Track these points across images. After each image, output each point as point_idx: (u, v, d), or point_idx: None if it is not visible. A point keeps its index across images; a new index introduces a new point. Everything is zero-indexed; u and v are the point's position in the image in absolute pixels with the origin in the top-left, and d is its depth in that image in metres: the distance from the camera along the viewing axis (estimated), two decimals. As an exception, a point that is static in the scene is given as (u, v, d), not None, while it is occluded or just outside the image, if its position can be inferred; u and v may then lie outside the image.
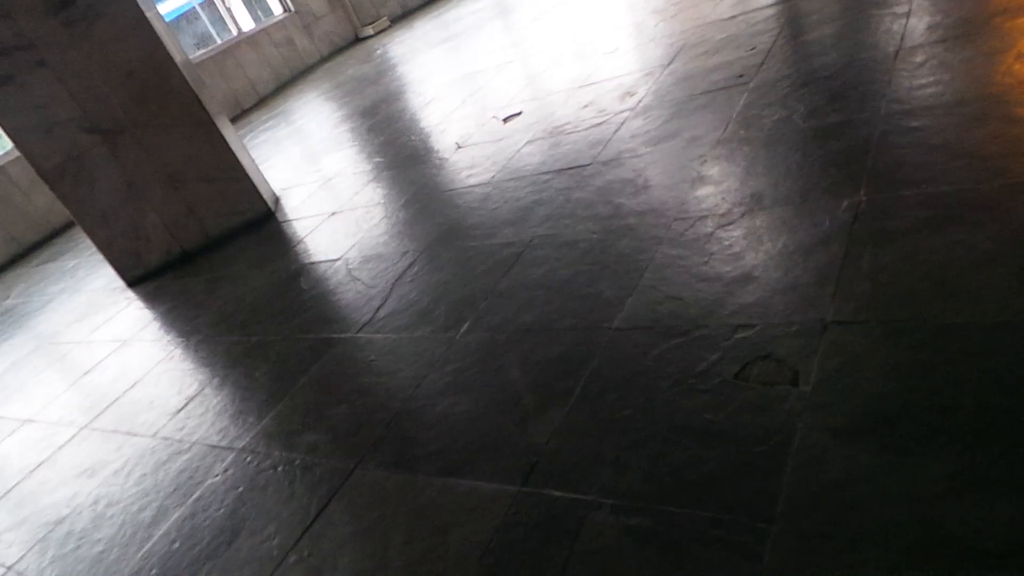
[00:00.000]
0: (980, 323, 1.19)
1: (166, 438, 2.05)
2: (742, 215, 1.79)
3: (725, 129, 2.27)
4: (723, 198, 1.90)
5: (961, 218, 1.44)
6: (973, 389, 1.08)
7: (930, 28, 2.31)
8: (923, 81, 2.02)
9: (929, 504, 0.96)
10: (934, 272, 1.34)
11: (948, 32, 2.23)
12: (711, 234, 1.77)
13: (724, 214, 1.83)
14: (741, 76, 2.61)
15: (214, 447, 1.89)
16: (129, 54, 3.21)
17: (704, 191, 1.98)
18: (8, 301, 4.34)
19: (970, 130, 1.71)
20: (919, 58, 2.15)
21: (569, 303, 1.77)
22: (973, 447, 1.00)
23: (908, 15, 2.45)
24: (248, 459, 1.78)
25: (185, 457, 1.92)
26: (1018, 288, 1.22)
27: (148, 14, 3.25)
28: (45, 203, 5.52)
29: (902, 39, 2.30)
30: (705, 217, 1.85)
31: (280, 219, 3.55)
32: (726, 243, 1.71)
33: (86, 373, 2.80)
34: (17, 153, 5.33)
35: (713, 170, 2.07)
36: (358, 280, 2.47)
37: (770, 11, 3.13)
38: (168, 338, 2.76)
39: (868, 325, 1.29)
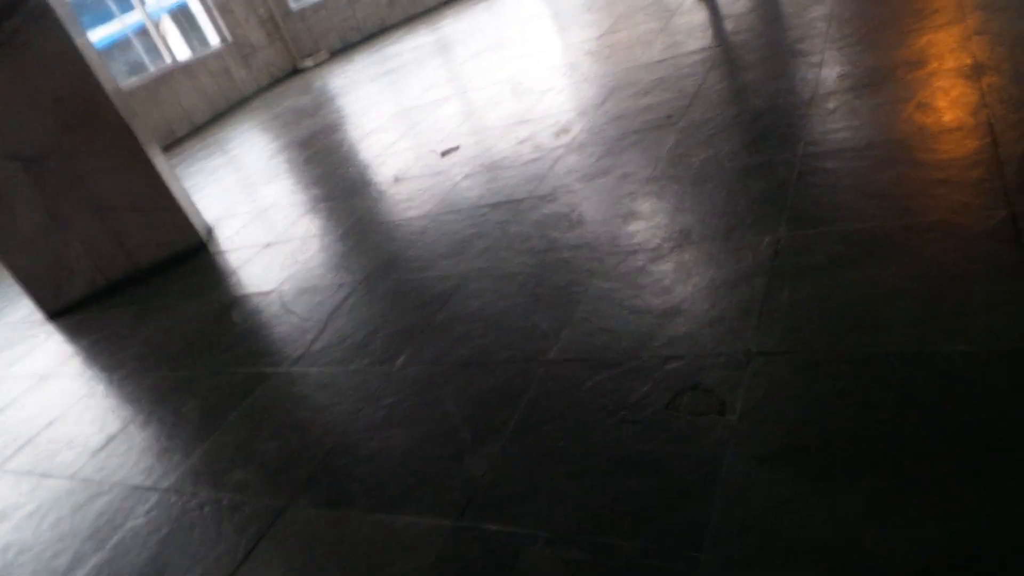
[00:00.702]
0: (892, 353, 1.26)
1: (85, 479, 1.96)
2: (671, 250, 1.86)
3: (655, 167, 2.36)
4: (653, 233, 1.97)
5: (872, 254, 1.53)
6: (888, 417, 1.15)
7: (840, 77, 2.47)
8: (836, 126, 2.15)
9: (850, 528, 1.01)
10: (849, 305, 1.42)
11: (857, 81, 2.39)
12: (642, 268, 1.83)
13: (654, 249, 1.89)
14: (670, 117, 2.72)
15: (137, 488, 1.82)
16: (56, 81, 3.12)
17: (636, 226, 2.05)
18: (-87, 336, 4.08)
19: (878, 172, 1.83)
20: (831, 105, 2.29)
21: (505, 335, 1.79)
22: (890, 473, 1.06)
23: (821, 65, 2.62)
24: (173, 500, 1.72)
25: (105, 499, 1.84)
26: (925, 320, 1.30)
27: (78, 41, 3.18)
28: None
29: (816, 87, 2.45)
30: (636, 251, 1.92)
31: (213, 250, 3.47)
32: (656, 277, 1.77)
33: (0, 411, 2.65)
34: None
35: (644, 206, 2.15)
36: (293, 313, 2.43)
37: (696, 57, 3.29)
38: (90, 373, 2.65)
39: (789, 356, 1.35)
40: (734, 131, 2.42)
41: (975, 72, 2.14)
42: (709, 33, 3.63)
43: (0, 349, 3.28)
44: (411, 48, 7.17)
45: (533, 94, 3.78)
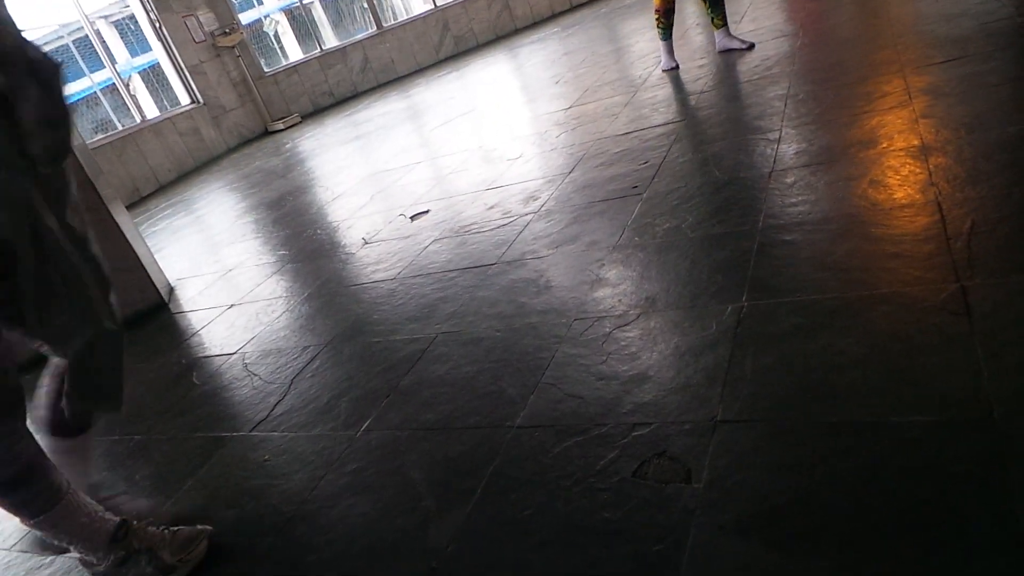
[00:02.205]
0: (852, 422, 1.29)
1: (27, 551, 1.86)
2: (637, 317, 1.88)
3: (621, 235, 2.42)
4: (620, 300, 2.00)
5: (830, 324, 1.58)
6: (848, 486, 1.16)
7: (797, 153, 2.59)
8: (793, 200, 2.24)
9: (812, 598, 1.00)
10: (810, 374, 1.45)
11: (813, 158, 2.50)
12: (609, 334, 1.85)
13: (621, 315, 1.92)
14: (635, 187, 2.80)
15: (84, 558, 1.73)
16: (22, 137, 3.09)
17: (602, 293, 2.08)
18: None
19: (834, 245, 1.91)
20: (789, 179, 2.39)
21: (472, 401, 1.78)
22: (850, 542, 1.07)
23: (779, 141, 2.74)
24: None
25: (47, 572, 1.74)
26: (882, 389, 1.34)
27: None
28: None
29: (774, 162, 2.56)
30: (603, 318, 1.94)
31: (174, 310, 3.42)
32: (623, 343, 1.79)
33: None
34: None
35: (610, 273, 2.19)
36: (255, 375, 2.39)
37: (661, 130, 3.42)
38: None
39: (753, 424, 1.37)
40: (697, 202, 2.50)
41: (923, 152, 2.26)
42: (673, 108, 3.79)
43: (-58, 410, 3.13)
44: (382, 113, 7.31)
45: (502, 162, 3.87)
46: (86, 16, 8.29)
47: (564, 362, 1.80)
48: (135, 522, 1.51)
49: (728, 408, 1.43)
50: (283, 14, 16.83)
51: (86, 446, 1.59)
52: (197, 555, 1.53)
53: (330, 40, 15.21)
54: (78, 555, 1.48)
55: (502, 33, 10.29)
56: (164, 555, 1.49)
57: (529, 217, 2.89)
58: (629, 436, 1.46)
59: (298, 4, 11.23)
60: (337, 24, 17.89)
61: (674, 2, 4.35)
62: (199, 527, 1.57)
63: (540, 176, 3.38)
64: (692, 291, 1.93)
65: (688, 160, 2.96)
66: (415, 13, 10.90)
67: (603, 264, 2.26)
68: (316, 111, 9.50)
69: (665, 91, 4.13)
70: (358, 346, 2.33)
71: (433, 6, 10.29)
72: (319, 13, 17.52)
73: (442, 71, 9.09)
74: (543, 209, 2.93)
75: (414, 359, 2.10)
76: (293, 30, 16.06)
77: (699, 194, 2.56)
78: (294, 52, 14.52)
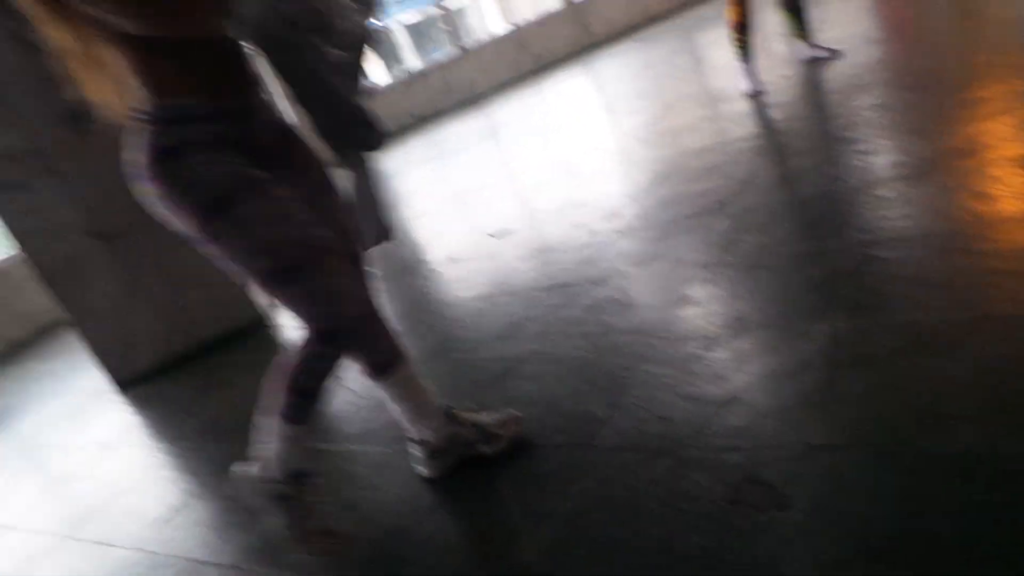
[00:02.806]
0: (958, 451, 1.24)
1: (148, 551, 2.01)
2: (726, 336, 1.87)
3: (707, 253, 2.40)
4: (707, 320, 1.99)
5: (933, 346, 1.52)
6: (957, 518, 1.12)
7: (892, 165, 2.50)
8: (889, 214, 2.17)
9: (917, 633, 0.98)
10: (913, 398, 1.40)
11: (908, 169, 2.41)
12: (696, 355, 1.84)
13: (708, 335, 1.91)
14: (721, 202, 2.77)
15: (197, 562, 1.85)
16: (138, 166, 3.35)
17: (689, 312, 2.08)
18: (-12, 402, 4.29)
19: (936, 262, 1.84)
20: (884, 192, 2.32)
21: (558, 420, 1.81)
22: None
23: (871, 152, 2.66)
24: None
25: (167, 572, 1.88)
26: (992, 415, 1.28)
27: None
28: (37, 302, 5.54)
29: (866, 174, 2.48)
30: (690, 338, 1.93)
31: (275, 325, 3.60)
32: (711, 364, 1.78)
33: (68, 479, 2.74)
34: (20, 255, 5.40)
35: (697, 292, 2.17)
36: (350, 389, 2.49)
37: (745, 144, 3.36)
38: (155, 444, 2.74)
39: (852, 450, 1.34)
40: (786, 218, 2.45)
41: (1030, 163, 2.15)
42: (757, 120, 3.72)
43: (72, 418, 3.41)
44: (464, 133, 7.47)
45: (584, 178, 3.90)
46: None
47: (651, 383, 1.81)
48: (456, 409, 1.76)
49: (825, 433, 1.41)
50: (367, 38, 17.36)
51: (408, 377, 1.73)
52: (516, 431, 1.75)
53: (412, 63, 15.64)
54: (410, 433, 1.71)
55: (580, 49, 10.34)
56: (488, 428, 1.72)
57: (613, 235, 2.90)
58: (720, 460, 1.45)
59: (381, 30, 11.64)
60: (419, 47, 18.41)
61: (750, 16, 4.19)
62: (513, 412, 1.79)
63: (623, 193, 3.39)
64: (784, 310, 1.89)
65: (775, 174, 2.91)
66: (494, 34, 11.10)
67: (689, 282, 2.25)
68: (399, 132, 9.79)
69: (748, 103, 4.06)
70: (446, 363, 2.40)
71: (511, 26, 10.45)
72: (401, 37, 18.07)
73: (522, 89, 9.21)
74: (626, 226, 2.93)
75: (500, 377, 2.14)
76: (376, 54, 16.58)
77: (787, 209, 2.51)
78: (378, 76, 15.00)
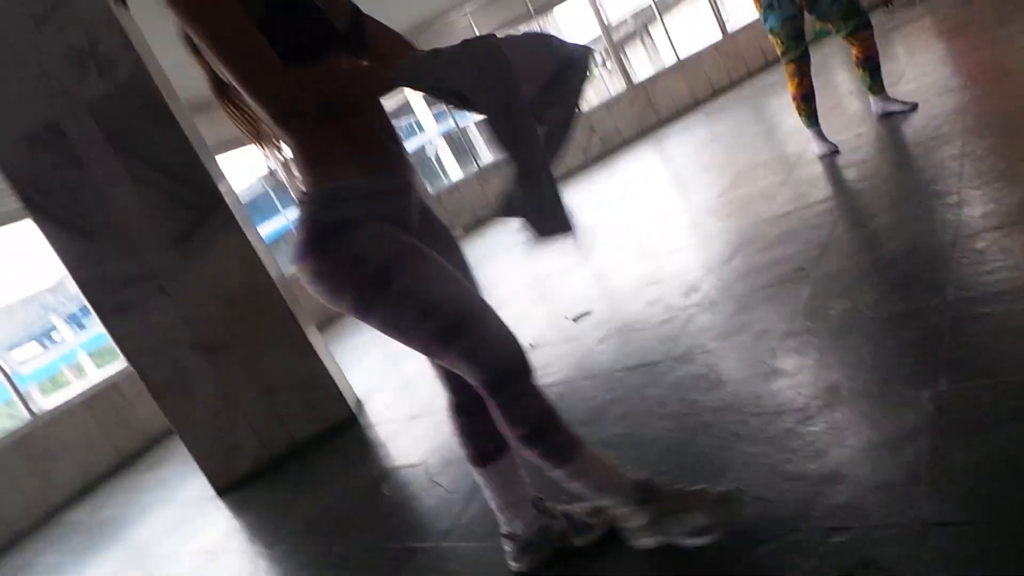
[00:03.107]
0: (1095, 523, 1.12)
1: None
2: (820, 409, 1.78)
3: (792, 322, 2.32)
4: (799, 392, 1.91)
5: (1052, 407, 1.40)
6: (1101, 600, 1.00)
7: (984, 215, 2.38)
8: (987, 267, 2.05)
9: None
10: (1034, 466, 1.29)
11: (1004, 219, 2.28)
12: (791, 430, 1.75)
13: (802, 408, 1.82)
14: (801, 269, 2.69)
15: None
16: (235, 279, 3.59)
17: (778, 385, 1.99)
18: (107, 512, 4.51)
19: (1045, 315, 1.71)
20: (978, 245, 2.20)
21: (652, 506, 1.74)
22: (1114, 670, 0.91)
23: (960, 204, 2.54)
24: None
25: None
26: None
27: (251, 238, 3.67)
28: (148, 415, 5.88)
29: (957, 228, 2.37)
30: (782, 412, 1.85)
31: (363, 423, 3.67)
32: (807, 439, 1.69)
33: (173, 587, 2.82)
34: (129, 369, 5.78)
35: (785, 363, 2.09)
36: (439, 485, 2.50)
37: (823, 206, 3.29)
38: (254, 549, 2.79)
39: (972, 528, 1.23)
40: (873, 279, 2.35)
41: None
42: (834, 182, 3.64)
43: (177, 525, 3.54)
44: (538, 219, 7.61)
45: (659, 255, 3.88)
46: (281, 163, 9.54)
47: (745, 462, 1.73)
48: (658, 481, 1.58)
49: (939, 509, 1.30)
50: (442, 138, 18.34)
51: (509, 468, 1.70)
52: (731, 515, 1.51)
53: (485, 157, 16.30)
54: (609, 507, 1.58)
55: (647, 127, 10.51)
56: (696, 514, 1.50)
57: (692, 310, 2.86)
58: (827, 543, 1.35)
59: (455, 128, 12.23)
60: (492, 142, 19.15)
61: (812, 85, 4.18)
62: (726, 488, 1.56)
63: (699, 266, 3.35)
64: (880, 377, 1.79)
65: (857, 235, 2.82)
66: (561, 121, 11.44)
67: (776, 354, 2.17)
68: (477, 223, 10.10)
69: (823, 166, 3.99)
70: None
71: (577, 112, 10.77)
72: (475, 133, 18.94)
73: (591, 172, 9.39)
74: (706, 300, 2.88)
75: (551, 484, 2.10)
76: (452, 151, 17.42)
77: (874, 270, 2.41)
78: (454, 171, 15.69)
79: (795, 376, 2.00)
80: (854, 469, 1.51)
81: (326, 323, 7.96)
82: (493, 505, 1.71)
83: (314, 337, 3.89)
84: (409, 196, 1.47)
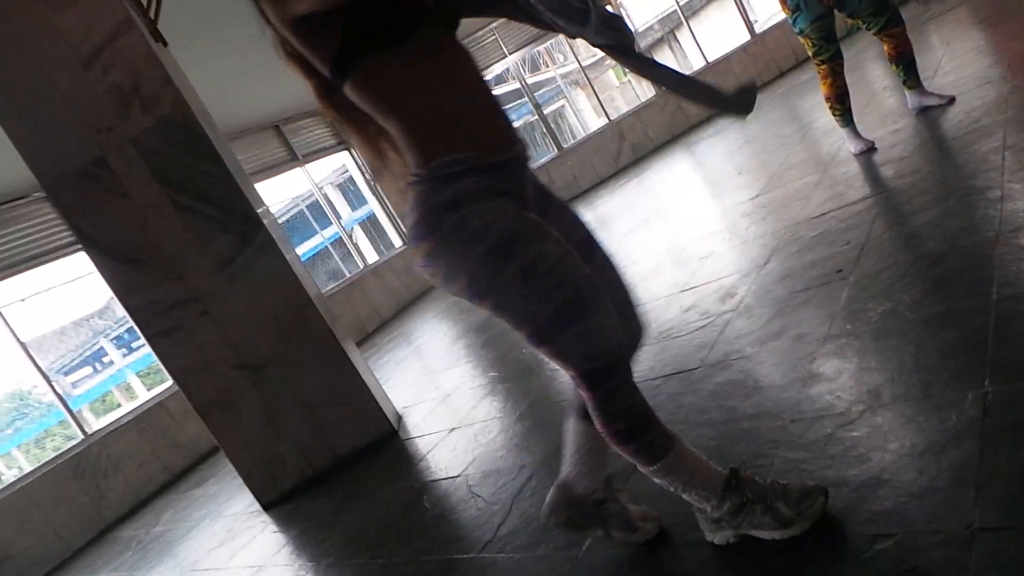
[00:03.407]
0: None
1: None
2: (861, 413, 1.75)
3: (830, 325, 2.29)
4: (839, 396, 1.88)
5: (1104, 406, 1.36)
6: None
7: (1028, 210, 2.32)
8: (1032, 263, 2.00)
9: None
10: (1085, 468, 1.25)
11: (1048, 213, 2.22)
12: (831, 435, 1.73)
13: (842, 413, 1.79)
14: (839, 271, 2.65)
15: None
16: (275, 299, 3.67)
17: (818, 389, 1.97)
18: (157, 528, 4.63)
19: (1094, 311, 1.66)
20: (1023, 240, 2.14)
21: (692, 517, 1.73)
22: None
23: (1002, 199, 2.48)
24: None
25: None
26: None
27: (289, 258, 3.75)
28: (194, 432, 6.02)
29: (1000, 223, 2.31)
30: (822, 417, 1.83)
31: (403, 436, 3.71)
32: (848, 444, 1.66)
33: (223, 602, 2.88)
34: (175, 389, 5.94)
35: (824, 367, 2.06)
36: (479, 497, 2.51)
37: (860, 206, 3.23)
38: (300, 563, 2.84)
39: (1020, 532, 1.20)
40: (913, 279, 2.31)
41: None
42: (870, 180, 3.58)
43: (224, 541, 3.62)
44: (571, 228, 7.61)
45: (694, 261, 3.86)
46: (316, 184, 9.74)
47: (786, 469, 1.71)
48: (745, 471, 1.55)
49: (987, 514, 1.27)
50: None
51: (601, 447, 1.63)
52: (815, 511, 1.46)
53: (516, 167, 16.30)
54: (692, 501, 1.54)
55: (678, 132, 10.45)
56: (781, 507, 1.46)
57: (728, 315, 2.83)
58: (871, 550, 1.33)
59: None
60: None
61: (846, 85, 4.11)
62: (812, 483, 1.51)
63: (734, 271, 3.32)
64: (922, 379, 1.76)
65: (895, 234, 2.77)
66: (591, 130, 11.46)
67: (815, 358, 2.14)
68: (510, 234, 10.13)
69: (859, 164, 3.93)
70: (571, 462, 2.37)
71: (607, 120, 10.78)
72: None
73: (623, 179, 9.37)
74: (742, 305, 2.86)
75: (628, 474, 2.09)
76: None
77: (914, 270, 2.36)
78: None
79: (835, 380, 1.97)
80: (897, 474, 1.48)
81: (366, 340, 8.06)
82: (566, 452, 1.67)
83: (353, 353, 3.95)
84: (523, 170, 1.42)
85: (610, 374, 1.39)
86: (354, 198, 17.56)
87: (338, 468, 3.74)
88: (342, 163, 10.46)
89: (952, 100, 4.05)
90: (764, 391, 2.13)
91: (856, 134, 4.13)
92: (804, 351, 2.22)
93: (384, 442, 3.75)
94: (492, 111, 1.39)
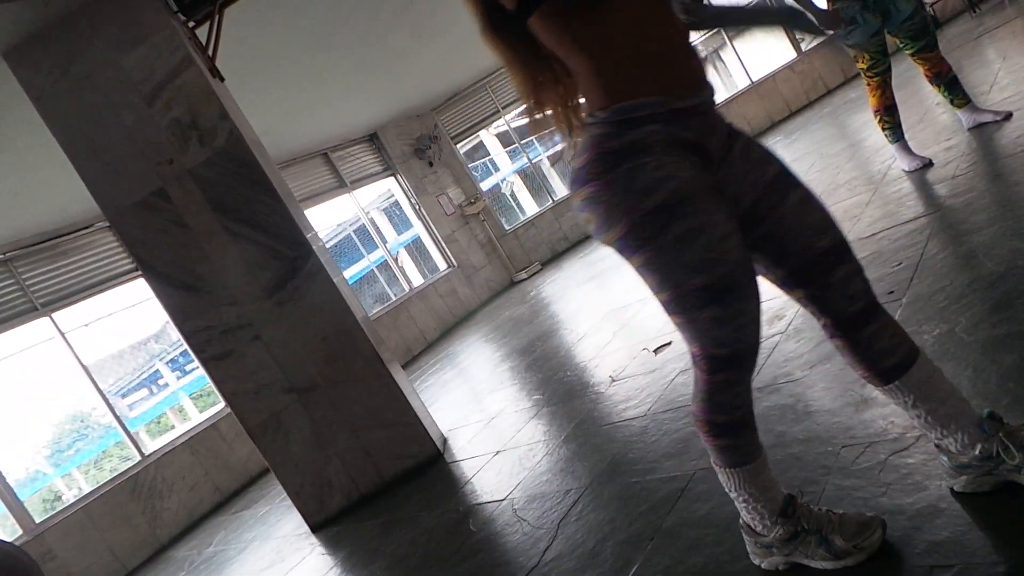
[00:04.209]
0: None
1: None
2: (916, 439, 1.70)
3: (883, 348, 2.23)
4: (892, 421, 1.83)
5: None
6: None
7: (1091, 228, 2.23)
8: (1096, 284, 1.92)
9: None
10: None
11: (1113, 231, 2.14)
12: (885, 461, 1.69)
13: (896, 439, 1.75)
14: (892, 292, 2.59)
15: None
16: (324, 323, 3.75)
17: (870, 414, 1.92)
18: (210, 549, 4.73)
19: None
20: (1086, 260, 2.07)
21: (740, 544, 1.70)
22: None
23: (1063, 217, 2.40)
24: None
25: None
26: None
27: (336, 281, 3.83)
28: (245, 453, 6.16)
29: (1062, 242, 2.24)
30: (875, 443, 1.78)
31: (448, 459, 3.73)
32: (903, 471, 1.62)
33: (273, 623, 2.92)
34: (227, 411, 6.09)
35: (876, 392, 2.00)
36: (524, 521, 2.51)
37: (912, 225, 3.16)
38: None
39: (1089, 564, 1.15)
40: (970, 300, 2.24)
41: None
42: (924, 199, 3.50)
43: (273, 563, 3.68)
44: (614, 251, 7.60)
45: (740, 282, 3.81)
46: (363, 209, 9.94)
47: (838, 495, 1.67)
48: (800, 499, 1.50)
49: (1051, 545, 1.22)
50: (517, 175, 18.61)
51: (932, 374, 1.43)
52: (872, 544, 1.42)
53: (560, 190, 16.40)
54: (747, 518, 1.50)
55: (723, 152, 10.35)
56: (836, 539, 1.43)
57: (777, 338, 2.79)
58: (928, 581, 1.29)
59: (529, 164, 12.41)
60: (565, 175, 19.35)
61: (894, 96, 4.04)
62: (870, 514, 1.46)
63: (781, 293, 3.26)
64: (980, 404, 1.70)
65: (950, 254, 2.69)
66: (635, 151, 11.44)
67: (866, 383, 2.09)
68: (554, 257, 10.16)
69: (912, 182, 3.84)
70: (617, 487, 2.36)
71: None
72: (548, 168, 19.14)
73: (667, 199, 9.30)
74: (790, 328, 2.81)
75: (674, 498, 2.07)
76: (527, 187, 17.62)
77: (970, 291, 2.30)
78: (529, 206, 15.87)
79: (888, 405, 1.92)
80: (954, 503, 1.44)
81: (412, 362, 8.14)
82: (917, 422, 1.43)
83: (399, 376, 4.00)
84: (710, 117, 1.32)
85: (733, 365, 1.34)
86: (399, 222, 17.83)
87: (384, 490, 3.77)
88: (388, 188, 10.66)
89: (1009, 116, 3.93)
90: (814, 415, 2.08)
91: (907, 150, 4.04)
92: (855, 375, 2.16)
93: (430, 464, 3.78)
94: (685, 52, 1.29)
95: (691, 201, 1.23)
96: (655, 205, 1.22)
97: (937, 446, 1.44)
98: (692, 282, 1.25)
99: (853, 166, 5.09)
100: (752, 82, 10.62)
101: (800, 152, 6.95)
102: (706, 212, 1.24)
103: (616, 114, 1.24)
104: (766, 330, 2.92)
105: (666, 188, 1.22)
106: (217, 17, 3.75)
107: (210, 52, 3.84)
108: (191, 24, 3.78)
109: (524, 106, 1.38)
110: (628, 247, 1.28)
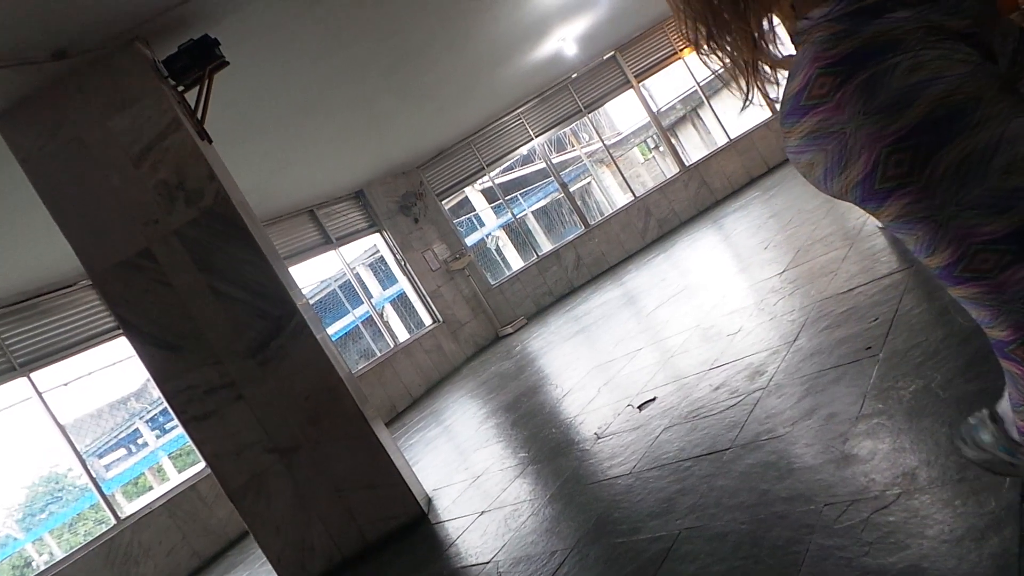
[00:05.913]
0: None
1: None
2: (897, 497, 1.71)
3: (862, 404, 2.26)
4: (873, 479, 1.84)
5: None
6: None
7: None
8: (1064, 339, 1.97)
9: None
10: None
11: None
12: (867, 520, 1.69)
13: (877, 497, 1.76)
14: (869, 348, 2.64)
15: None
16: (307, 382, 3.73)
17: (852, 471, 1.93)
18: (185, 617, 4.57)
19: None
20: (1054, 316, 2.12)
21: (727, 605, 1.69)
22: None
23: (1030, 274, 2.47)
24: None
25: None
26: None
27: (320, 339, 3.82)
28: (225, 515, 6.01)
29: (1030, 299, 2.30)
30: (858, 501, 1.79)
31: (432, 520, 3.67)
32: (885, 530, 1.62)
33: None
34: (207, 471, 5.97)
35: (857, 448, 2.03)
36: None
37: (887, 281, 3.23)
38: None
39: (1068, 624, 1.16)
40: (944, 356, 2.29)
41: None
42: (897, 255, 3.58)
43: (253, 630, 3.57)
44: (599, 304, 7.67)
45: (722, 338, 3.85)
46: (348, 264, 9.97)
47: (821, 555, 1.67)
48: None
49: (1031, 605, 1.23)
50: (502, 230, 18.81)
51: None
52: None
53: (544, 245, 16.61)
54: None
55: (703, 207, 10.57)
56: None
57: (758, 394, 2.81)
58: (912, 644, 1.29)
59: (513, 219, 12.56)
60: (549, 230, 19.62)
61: None
62: None
63: (763, 348, 3.31)
64: (958, 461, 1.72)
65: (925, 310, 2.75)
66: (618, 206, 11.66)
67: (847, 438, 2.11)
68: (539, 311, 10.20)
69: (886, 238, 3.94)
70: (603, 548, 2.33)
71: (633, 197, 10.96)
72: (532, 223, 19.38)
73: (650, 255, 9.44)
74: (772, 384, 2.84)
75: (660, 560, 2.05)
76: (512, 242, 17.80)
77: (944, 347, 2.34)
78: (515, 260, 16.00)
79: (869, 462, 1.94)
80: (937, 562, 1.44)
81: (396, 419, 8.06)
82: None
83: (382, 434, 3.96)
84: None
85: None
86: (385, 277, 17.87)
87: (368, 553, 3.69)
88: (373, 243, 10.72)
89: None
90: (797, 473, 2.09)
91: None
92: (836, 431, 2.19)
93: (414, 526, 3.71)
94: None
95: (972, 109, 0.83)
96: (915, 122, 0.84)
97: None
98: (990, 230, 0.83)
99: (830, 221, 5.21)
100: (730, 139, 10.91)
101: (778, 207, 7.10)
102: (1000, 121, 0.82)
103: (847, 3, 0.88)
104: (748, 385, 2.95)
105: (930, 95, 0.83)
106: (207, 82, 3.83)
107: (199, 115, 3.91)
108: (180, 88, 3.86)
109: (694, 43, 1.04)
110: (876, 193, 0.88)
